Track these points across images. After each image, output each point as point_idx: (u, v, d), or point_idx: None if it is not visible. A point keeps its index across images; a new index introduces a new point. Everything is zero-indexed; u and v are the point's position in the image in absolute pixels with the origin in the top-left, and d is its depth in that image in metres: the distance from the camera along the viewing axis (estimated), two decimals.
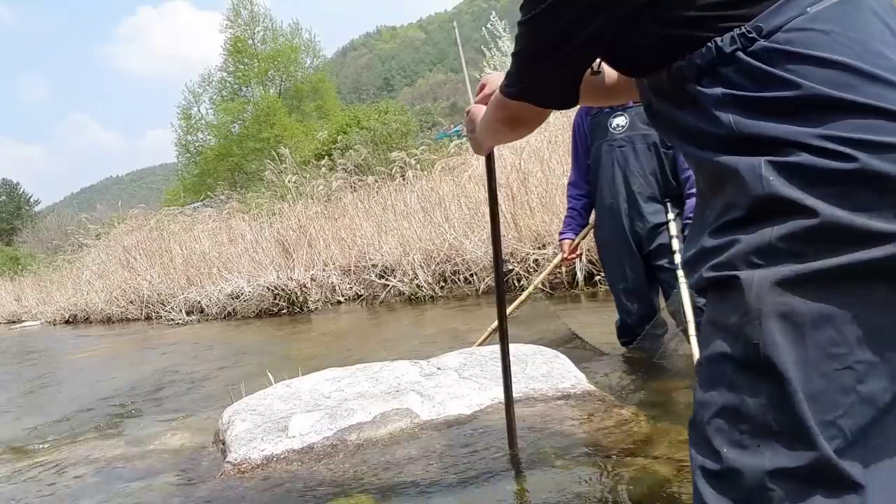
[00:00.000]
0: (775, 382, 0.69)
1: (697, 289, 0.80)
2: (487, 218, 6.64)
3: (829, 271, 0.68)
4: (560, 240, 3.22)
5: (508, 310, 3.62)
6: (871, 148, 0.68)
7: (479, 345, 3.42)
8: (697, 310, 2.67)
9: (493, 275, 6.93)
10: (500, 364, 2.75)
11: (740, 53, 0.74)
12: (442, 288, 7.14)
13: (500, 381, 2.52)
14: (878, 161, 0.67)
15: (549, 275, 3.96)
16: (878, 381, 0.68)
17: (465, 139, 10.71)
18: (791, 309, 0.69)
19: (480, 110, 1.30)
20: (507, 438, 1.95)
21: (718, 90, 0.76)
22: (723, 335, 0.75)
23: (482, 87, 1.41)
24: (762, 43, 0.73)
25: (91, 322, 11.90)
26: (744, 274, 0.72)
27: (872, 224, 0.67)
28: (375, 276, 7.75)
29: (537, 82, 0.93)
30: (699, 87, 0.78)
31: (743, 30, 0.74)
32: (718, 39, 0.75)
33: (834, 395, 0.67)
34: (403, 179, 9.35)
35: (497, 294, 1.85)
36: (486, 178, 1.67)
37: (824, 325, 0.68)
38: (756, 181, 0.71)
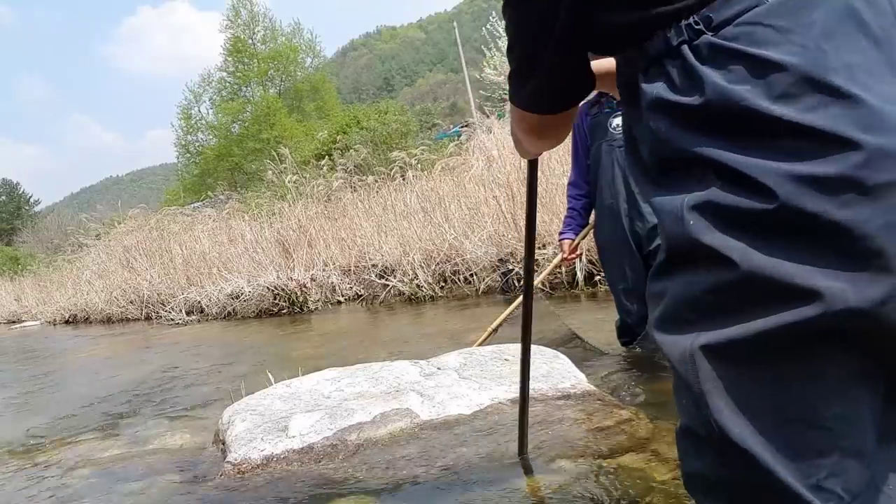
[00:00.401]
0: (742, 457, 0.61)
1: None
2: (487, 218, 6.59)
3: (764, 335, 0.58)
4: (560, 240, 3.22)
5: (508, 310, 3.64)
6: (795, 181, 0.56)
7: (479, 345, 3.43)
8: None
9: (492, 275, 6.88)
10: (499, 364, 2.76)
11: (685, 48, 0.63)
12: (442, 288, 7.14)
13: (500, 381, 2.53)
14: (805, 198, 0.56)
15: (549, 275, 3.96)
16: (860, 428, 0.59)
17: (464, 138, 10.73)
18: (735, 381, 0.61)
19: None
20: (518, 443, 1.90)
21: (656, 87, 0.66)
22: (682, 406, 0.67)
23: None
24: (707, 37, 0.62)
25: (91, 322, 11.91)
26: (680, 339, 0.63)
27: (798, 277, 0.56)
28: (375, 276, 7.75)
29: (543, 82, 0.78)
30: (642, 83, 0.68)
31: (692, 19, 0.63)
32: (671, 29, 0.65)
33: (811, 459, 0.59)
34: (403, 179, 9.36)
35: (524, 310, 1.69)
36: (527, 182, 1.52)
37: (777, 391, 0.59)
38: (676, 223, 0.62)
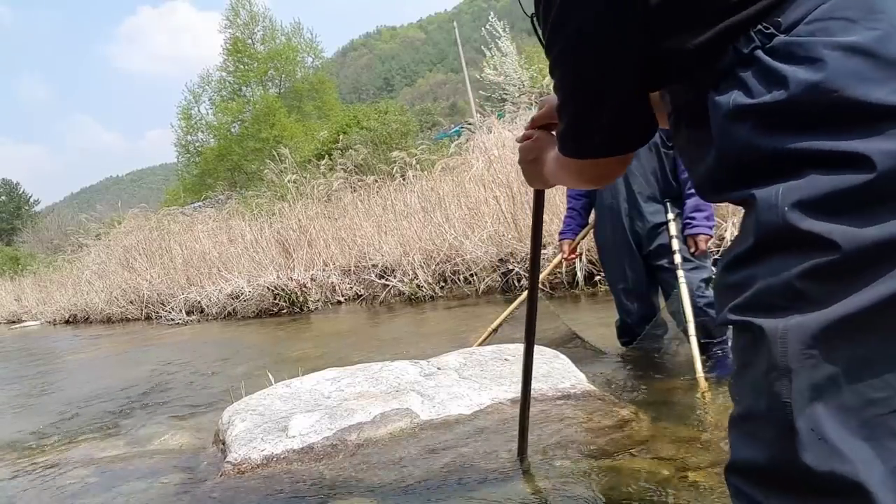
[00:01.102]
0: (814, 440, 0.61)
1: (722, 325, 0.74)
2: (487, 218, 6.58)
3: (860, 313, 0.60)
4: (560, 240, 3.22)
5: (508, 310, 3.64)
6: (892, 155, 0.59)
7: (480, 345, 3.43)
8: (698, 309, 2.67)
9: (493, 275, 6.87)
10: (499, 364, 2.76)
11: (759, 52, 0.65)
12: (442, 288, 7.14)
13: (500, 381, 2.53)
14: None
15: (549, 275, 3.96)
16: None
17: (464, 138, 10.71)
18: (822, 363, 0.61)
19: (547, 141, 1.06)
20: (518, 447, 1.89)
21: (732, 96, 0.67)
22: (751, 390, 0.67)
23: (541, 108, 1.13)
24: (782, 38, 0.64)
25: (91, 322, 11.91)
26: (767, 323, 0.64)
27: (890, 250, 0.58)
28: (375, 276, 7.75)
29: (607, 129, 0.79)
30: (715, 97, 0.69)
31: (760, 26, 0.65)
32: (736, 42, 0.67)
33: (885, 443, 0.60)
34: (403, 179, 9.35)
35: (527, 326, 1.68)
36: (532, 209, 1.48)
37: (861, 371, 0.61)
38: (771, 211, 0.64)
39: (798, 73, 0.62)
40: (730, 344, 0.75)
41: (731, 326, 0.70)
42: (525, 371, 1.71)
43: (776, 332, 0.63)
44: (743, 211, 0.71)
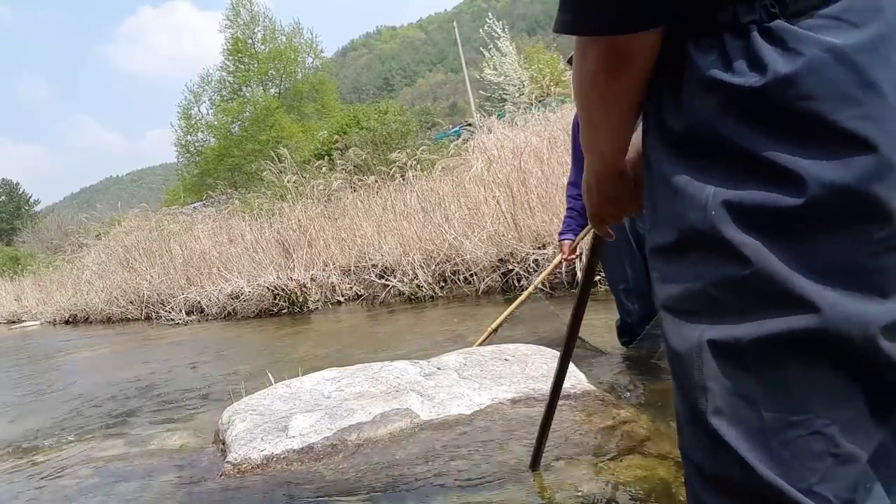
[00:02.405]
0: (731, 457, 0.61)
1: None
2: (487, 218, 6.55)
3: (771, 337, 0.58)
4: (560, 240, 3.22)
5: (508, 310, 3.63)
6: (826, 182, 0.56)
7: (480, 345, 3.42)
8: None
9: (493, 275, 6.85)
10: (499, 364, 2.76)
11: (754, 29, 0.60)
12: (442, 288, 7.14)
13: (500, 381, 2.52)
14: (833, 192, 0.56)
15: (549, 275, 3.96)
16: (855, 437, 0.59)
17: (462, 139, 10.72)
18: (735, 381, 0.60)
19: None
20: (532, 458, 1.81)
21: (709, 62, 0.62)
22: (676, 391, 0.67)
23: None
24: (781, 22, 0.59)
25: (91, 322, 11.91)
26: (687, 331, 0.63)
27: (798, 285, 0.57)
28: (375, 276, 7.75)
29: None
30: (692, 51, 0.63)
31: (767, 1, 0.60)
32: (741, 5, 0.61)
33: (805, 463, 0.59)
34: (403, 179, 9.35)
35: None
36: (586, 261, 1.39)
37: (777, 394, 0.59)
38: (699, 210, 0.61)
39: (779, 65, 0.58)
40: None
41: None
42: (553, 390, 1.66)
43: (692, 343, 0.62)
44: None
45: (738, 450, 0.60)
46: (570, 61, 3.00)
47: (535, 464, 1.81)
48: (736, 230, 0.59)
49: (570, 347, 1.54)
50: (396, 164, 9.87)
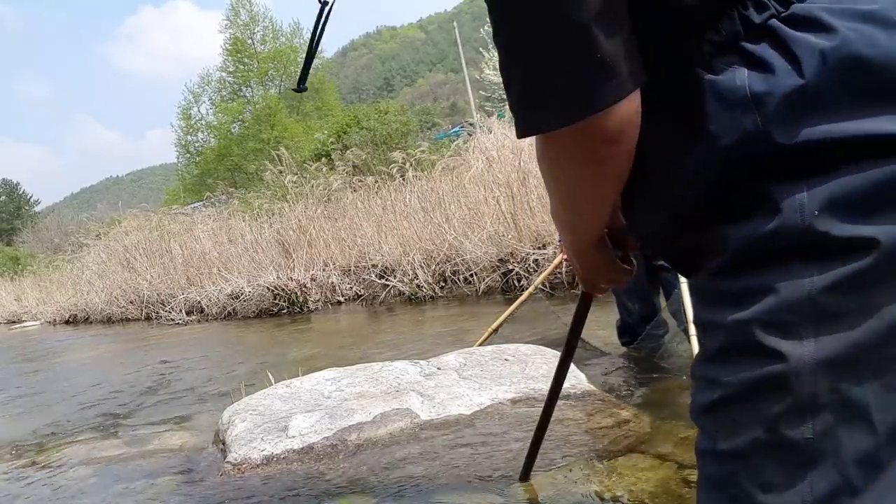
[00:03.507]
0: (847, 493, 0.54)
1: (711, 350, 0.61)
2: (487, 218, 6.54)
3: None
4: (560, 240, 3.22)
5: (508, 311, 3.63)
6: None
7: (480, 345, 3.42)
8: None
9: (493, 275, 6.84)
10: (499, 364, 2.76)
11: (776, 21, 0.54)
12: (442, 288, 7.13)
13: (500, 381, 2.52)
14: None
15: (549, 275, 3.96)
16: None
17: (463, 137, 10.71)
18: (850, 397, 0.53)
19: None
20: (523, 468, 1.75)
21: (739, 77, 0.55)
22: (753, 423, 0.57)
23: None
24: (801, 4, 0.54)
25: (91, 322, 11.90)
26: (790, 348, 0.54)
27: None
28: (375, 276, 7.75)
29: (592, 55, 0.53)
30: (706, 76, 0.56)
31: None
32: (742, 7, 0.55)
33: None
34: (403, 179, 9.35)
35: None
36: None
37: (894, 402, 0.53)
38: (795, 214, 0.53)
39: (822, 45, 0.52)
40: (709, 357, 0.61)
41: (718, 342, 0.60)
42: (548, 402, 1.63)
43: (802, 362, 0.53)
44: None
45: (849, 475, 0.54)
46: None
47: (525, 475, 1.74)
48: (847, 224, 0.52)
49: (566, 364, 1.49)
50: (396, 164, 9.87)
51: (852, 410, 0.53)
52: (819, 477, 0.54)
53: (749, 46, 0.55)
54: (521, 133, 0.58)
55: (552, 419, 2.15)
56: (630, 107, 0.55)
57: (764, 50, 0.54)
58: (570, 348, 1.42)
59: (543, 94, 0.55)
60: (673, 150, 0.59)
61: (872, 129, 0.52)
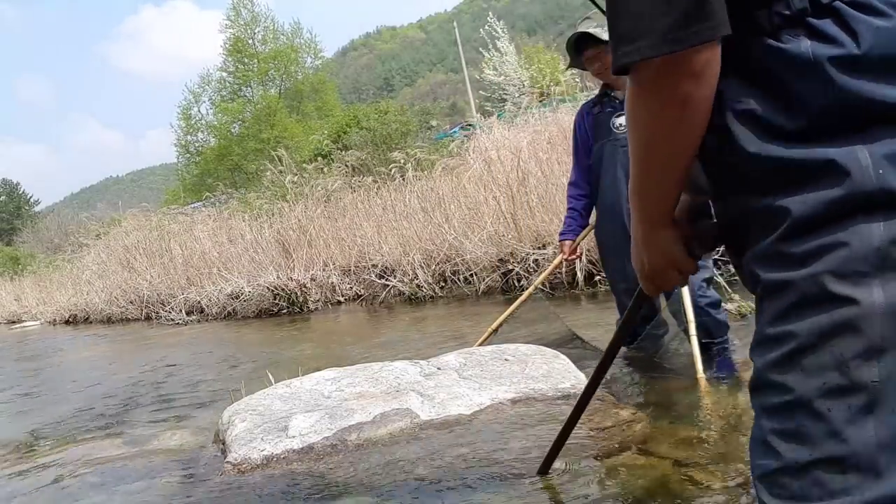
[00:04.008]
0: None
1: (780, 308, 0.64)
2: (487, 218, 6.52)
3: None
4: (560, 240, 3.22)
5: (508, 311, 3.63)
6: None
7: (480, 345, 3.42)
8: (698, 309, 2.67)
9: (493, 275, 6.84)
10: (499, 364, 2.76)
11: (839, 3, 0.61)
12: (442, 288, 7.13)
13: (500, 381, 2.52)
14: None
15: (549, 275, 3.96)
16: None
17: (462, 137, 10.71)
18: None
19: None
20: (543, 462, 1.76)
21: (806, 45, 0.61)
22: (823, 369, 0.60)
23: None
24: None
25: (91, 322, 11.90)
26: (862, 295, 0.58)
27: None
28: (375, 276, 7.75)
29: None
30: (776, 44, 0.62)
31: None
32: None
33: None
34: (403, 179, 9.35)
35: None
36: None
37: None
38: (861, 173, 0.58)
39: (879, 24, 0.60)
40: (757, 325, 0.67)
41: (775, 296, 0.63)
42: (580, 402, 1.62)
43: (872, 306, 0.58)
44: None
45: None
46: (569, 64, 3.00)
47: (545, 468, 1.76)
48: None
49: (605, 366, 1.47)
50: (396, 164, 9.88)
51: None
52: (881, 421, 0.58)
53: (814, 21, 0.61)
54: (618, 68, 0.64)
55: (552, 419, 2.15)
56: (715, 50, 0.61)
57: (827, 25, 0.61)
58: (616, 346, 1.42)
59: (645, 29, 0.61)
60: (742, 118, 0.64)
61: None
